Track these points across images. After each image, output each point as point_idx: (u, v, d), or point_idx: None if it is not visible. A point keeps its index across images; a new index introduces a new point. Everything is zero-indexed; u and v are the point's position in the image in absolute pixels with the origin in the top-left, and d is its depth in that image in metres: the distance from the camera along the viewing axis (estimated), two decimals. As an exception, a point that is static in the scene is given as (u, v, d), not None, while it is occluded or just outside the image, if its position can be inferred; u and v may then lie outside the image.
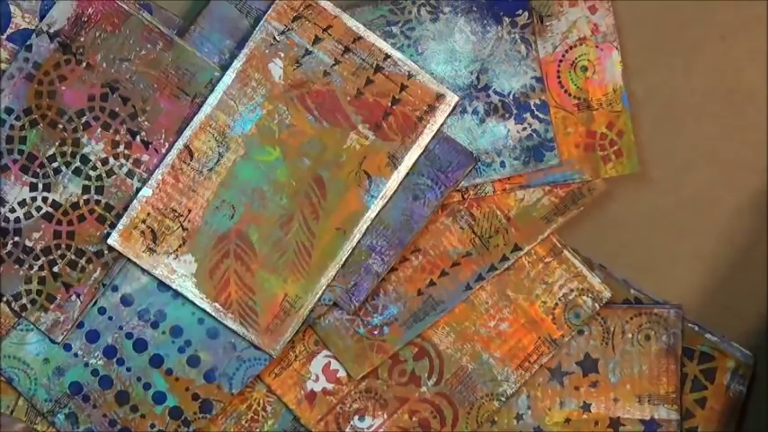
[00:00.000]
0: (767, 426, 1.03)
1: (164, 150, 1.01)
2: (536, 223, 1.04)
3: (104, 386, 1.01)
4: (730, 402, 1.04)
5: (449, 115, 1.02)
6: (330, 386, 1.03)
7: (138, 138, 1.01)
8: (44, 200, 1.01)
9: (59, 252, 1.01)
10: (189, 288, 1.01)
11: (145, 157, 1.01)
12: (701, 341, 1.04)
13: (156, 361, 1.01)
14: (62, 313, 1.01)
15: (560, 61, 1.04)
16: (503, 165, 1.03)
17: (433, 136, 1.02)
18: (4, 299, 1.01)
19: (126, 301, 1.01)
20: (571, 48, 1.04)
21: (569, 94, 1.04)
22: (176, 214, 1.01)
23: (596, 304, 1.03)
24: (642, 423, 1.04)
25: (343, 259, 1.01)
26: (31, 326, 1.01)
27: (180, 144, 1.01)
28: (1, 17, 1.01)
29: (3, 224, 1.00)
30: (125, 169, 1.01)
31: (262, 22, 1.01)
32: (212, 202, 1.01)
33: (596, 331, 1.04)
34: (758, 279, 1.05)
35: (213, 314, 1.01)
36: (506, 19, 1.03)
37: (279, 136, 1.01)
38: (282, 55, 1.01)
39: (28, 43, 1.00)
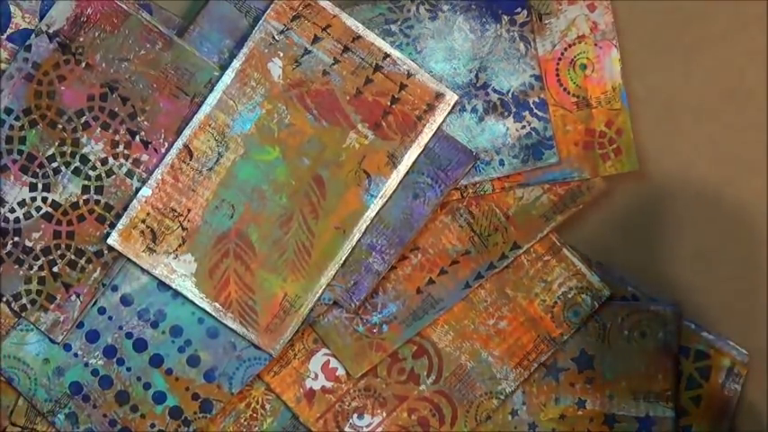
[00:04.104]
0: (762, 425, 1.04)
1: (163, 150, 1.01)
2: (535, 221, 1.04)
3: (104, 386, 1.01)
4: (725, 401, 1.05)
5: (448, 114, 1.02)
6: (329, 384, 1.04)
7: (137, 137, 1.01)
8: (44, 200, 1.00)
9: (59, 252, 1.00)
10: (189, 288, 1.01)
11: (144, 157, 1.01)
12: (697, 339, 1.05)
13: (156, 361, 1.01)
14: (62, 313, 1.01)
15: (559, 59, 1.04)
16: (502, 163, 1.03)
17: (433, 135, 1.02)
18: (4, 299, 1.00)
19: (126, 300, 1.01)
20: (570, 46, 1.04)
21: (568, 93, 1.04)
22: (176, 214, 1.01)
23: (595, 303, 1.04)
24: (637, 420, 1.04)
25: (343, 258, 1.01)
26: (31, 326, 1.01)
27: (179, 144, 1.00)
28: (1, 17, 1.00)
29: (2, 224, 1.00)
30: (124, 169, 1.01)
31: (261, 22, 1.01)
32: (212, 201, 1.01)
33: (592, 328, 1.05)
34: (756, 278, 1.05)
35: (213, 314, 1.01)
36: (505, 17, 1.03)
37: (278, 135, 1.01)
38: (282, 54, 1.01)
39: (27, 43, 1.00)
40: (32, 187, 1.00)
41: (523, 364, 1.04)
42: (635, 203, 1.05)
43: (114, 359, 1.01)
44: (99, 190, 1.01)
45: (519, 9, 1.03)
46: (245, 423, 1.03)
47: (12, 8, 1.00)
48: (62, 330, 1.01)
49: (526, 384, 1.04)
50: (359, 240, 1.01)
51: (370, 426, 1.04)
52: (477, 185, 1.03)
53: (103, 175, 1.01)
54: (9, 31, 1.00)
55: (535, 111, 1.03)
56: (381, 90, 1.01)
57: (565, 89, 1.04)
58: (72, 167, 1.01)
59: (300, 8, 1.01)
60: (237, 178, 1.01)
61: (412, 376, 1.04)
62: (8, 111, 1.00)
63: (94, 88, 1.00)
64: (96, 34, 1.00)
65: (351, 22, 1.01)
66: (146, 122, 1.01)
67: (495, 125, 1.03)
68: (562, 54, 1.04)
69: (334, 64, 1.01)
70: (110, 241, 1.00)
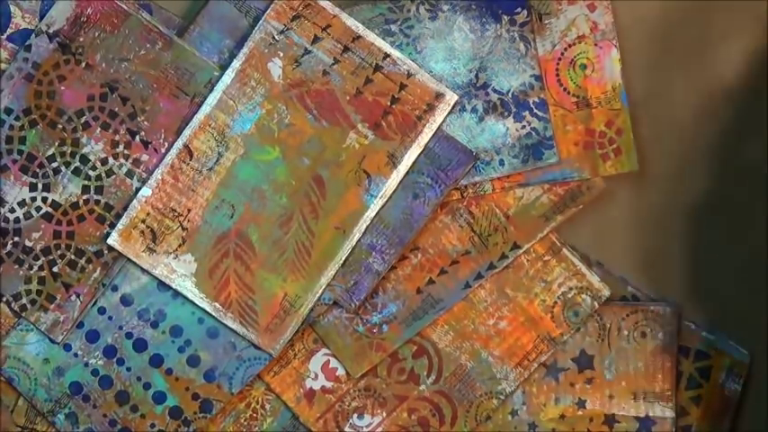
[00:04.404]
0: (762, 425, 1.04)
1: (163, 150, 1.01)
2: (535, 221, 1.04)
3: (104, 386, 1.01)
4: (725, 401, 1.05)
5: (448, 114, 1.02)
6: (329, 384, 1.04)
7: (137, 137, 1.01)
8: (44, 200, 1.00)
9: (59, 252, 1.00)
10: (189, 288, 1.01)
11: (144, 157, 1.01)
12: (698, 339, 1.05)
13: (156, 361, 1.01)
14: (62, 313, 1.01)
15: (559, 59, 1.04)
16: (502, 163, 1.03)
17: (433, 135, 1.02)
18: (4, 299, 1.00)
19: (126, 300, 1.01)
20: (570, 46, 1.04)
21: (568, 93, 1.04)
22: (176, 214, 1.01)
23: (595, 303, 1.04)
24: (637, 420, 1.04)
25: (343, 258, 1.01)
26: (31, 326, 1.01)
27: (179, 144, 1.00)
28: (1, 17, 1.00)
29: (2, 224, 1.00)
30: (124, 169, 1.01)
31: (261, 22, 1.01)
32: (212, 201, 1.01)
33: (592, 328, 1.05)
34: (756, 278, 1.05)
35: (213, 314, 1.01)
36: (505, 17, 1.03)
37: (278, 135, 1.01)
38: (282, 54, 1.01)
39: (27, 43, 1.00)
40: (32, 187, 1.00)
41: (523, 364, 1.04)
42: (635, 203, 1.05)
43: (114, 359, 1.01)
44: (99, 190, 1.01)
45: (519, 9, 1.03)
46: (245, 423, 1.03)
47: (12, 8, 1.00)
48: (62, 330, 1.01)
49: (526, 384, 1.04)
50: (359, 240, 1.01)
51: (370, 426, 1.04)
52: (477, 185, 1.03)
53: (103, 175, 1.01)
54: (9, 31, 1.00)
55: (535, 111, 1.03)
56: (381, 90, 1.01)
57: (565, 89, 1.04)
58: (72, 167, 1.01)
59: (300, 8, 1.01)
60: (237, 178, 1.01)
61: (412, 376, 1.04)
62: (8, 111, 1.00)
63: (94, 88, 1.00)
64: (96, 34, 1.00)
65: (351, 22, 1.01)
66: (146, 122, 1.01)
67: (495, 125, 1.03)
68: (562, 54, 1.04)
69: (334, 64, 1.01)
70: (110, 241, 1.00)
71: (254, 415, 1.04)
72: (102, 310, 1.01)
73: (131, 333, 1.01)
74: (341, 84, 1.01)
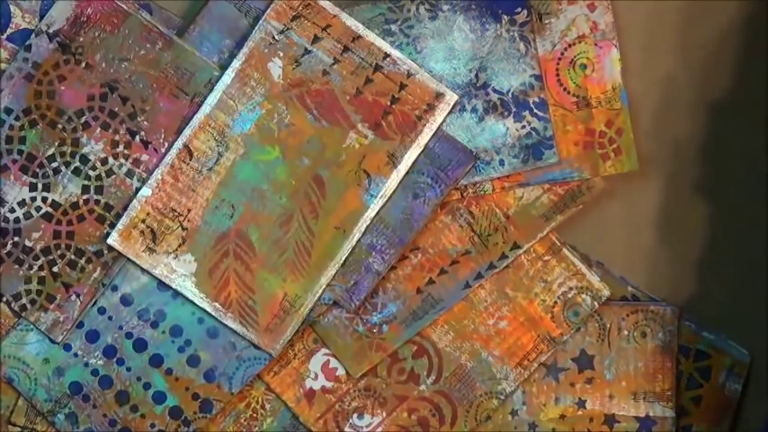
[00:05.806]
0: (763, 425, 1.04)
1: (163, 150, 1.01)
2: (535, 221, 1.04)
3: (104, 386, 1.01)
4: (725, 401, 1.05)
5: (448, 114, 1.02)
6: (329, 384, 1.04)
7: (137, 137, 1.01)
8: (44, 200, 1.00)
9: (59, 252, 1.00)
10: (189, 288, 1.01)
11: (144, 157, 1.01)
12: (698, 339, 1.05)
13: (156, 361, 1.01)
14: (62, 313, 1.01)
15: (559, 59, 1.04)
16: (502, 163, 1.03)
17: (433, 135, 1.02)
18: (4, 299, 1.00)
19: (126, 300, 1.01)
20: (570, 46, 1.04)
21: (568, 92, 1.04)
22: (176, 214, 1.01)
23: (595, 303, 1.04)
24: (637, 420, 1.04)
25: (343, 258, 1.01)
26: (31, 326, 1.01)
27: (179, 144, 1.00)
28: (1, 17, 1.00)
29: (2, 224, 1.00)
30: (124, 169, 1.01)
31: (261, 22, 1.01)
32: (212, 201, 1.01)
33: (592, 328, 1.05)
34: (756, 278, 1.05)
35: (213, 314, 1.01)
36: (505, 17, 1.03)
37: (278, 135, 1.01)
38: (282, 54, 1.01)
39: (27, 43, 1.00)
40: (32, 187, 1.00)
41: (523, 364, 1.04)
42: (635, 203, 1.05)
43: (114, 359, 1.01)
44: (99, 190, 1.01)
45: (519, 9, 1.03)
46: (245, 423, 1.03)
47: (12, 8, 1.00)
48: (62, 330, 1.01)
49: (526, 384, 1.05)
50: (359, 240, 1.01)
51: (370, 426, 1.04)
52: (477, 185, 1.03)
53: (103, 175, 1.01)
54: (9, 31, 1.00)
55: (535, 111, 1.03)
56: (381, 90, 1.01)
57: (565, 89, 1.04)
58: (72, 167, 1.01)
59: (300, 8, 1.01)
60: (237, 178, 1.01)
61: (412, 376, 1.04)
62: (8, 111, 1.00)
63: (94, 88, 1.00)
64: (96, 34, 1.00)
65: (351, 22, 1.01)
66: (146, 122, 1.01)
67: (495, 125, 1.03)
68: (562, 54, 1.04)
69: (334, 64, 1.01)
70: (110, 241, 1.00)
71: (254, 415, 1.04)
72: (102, 310, 1.01)
73: (131, 333, 1.01)
74: (341, 84, 1.01)
